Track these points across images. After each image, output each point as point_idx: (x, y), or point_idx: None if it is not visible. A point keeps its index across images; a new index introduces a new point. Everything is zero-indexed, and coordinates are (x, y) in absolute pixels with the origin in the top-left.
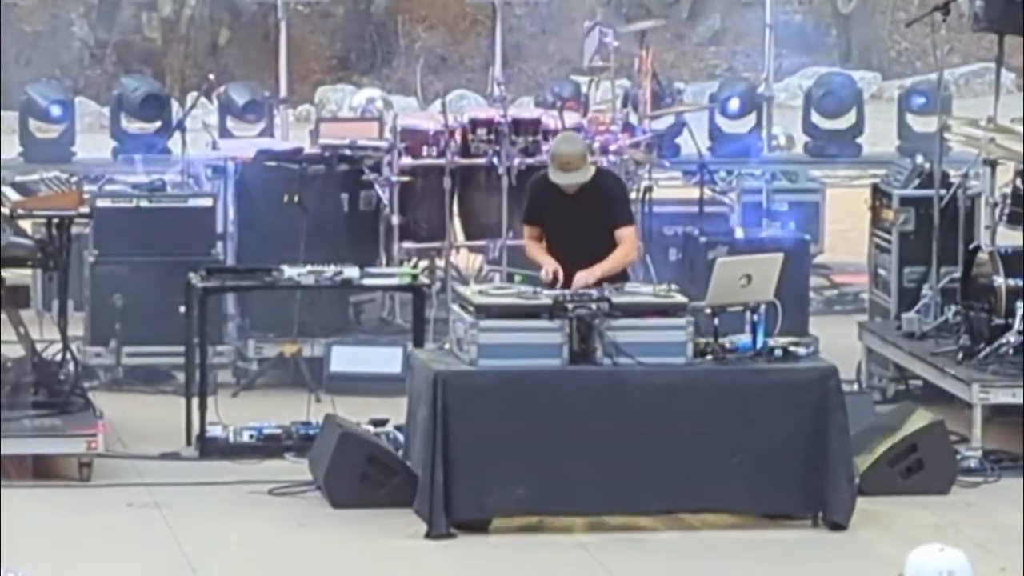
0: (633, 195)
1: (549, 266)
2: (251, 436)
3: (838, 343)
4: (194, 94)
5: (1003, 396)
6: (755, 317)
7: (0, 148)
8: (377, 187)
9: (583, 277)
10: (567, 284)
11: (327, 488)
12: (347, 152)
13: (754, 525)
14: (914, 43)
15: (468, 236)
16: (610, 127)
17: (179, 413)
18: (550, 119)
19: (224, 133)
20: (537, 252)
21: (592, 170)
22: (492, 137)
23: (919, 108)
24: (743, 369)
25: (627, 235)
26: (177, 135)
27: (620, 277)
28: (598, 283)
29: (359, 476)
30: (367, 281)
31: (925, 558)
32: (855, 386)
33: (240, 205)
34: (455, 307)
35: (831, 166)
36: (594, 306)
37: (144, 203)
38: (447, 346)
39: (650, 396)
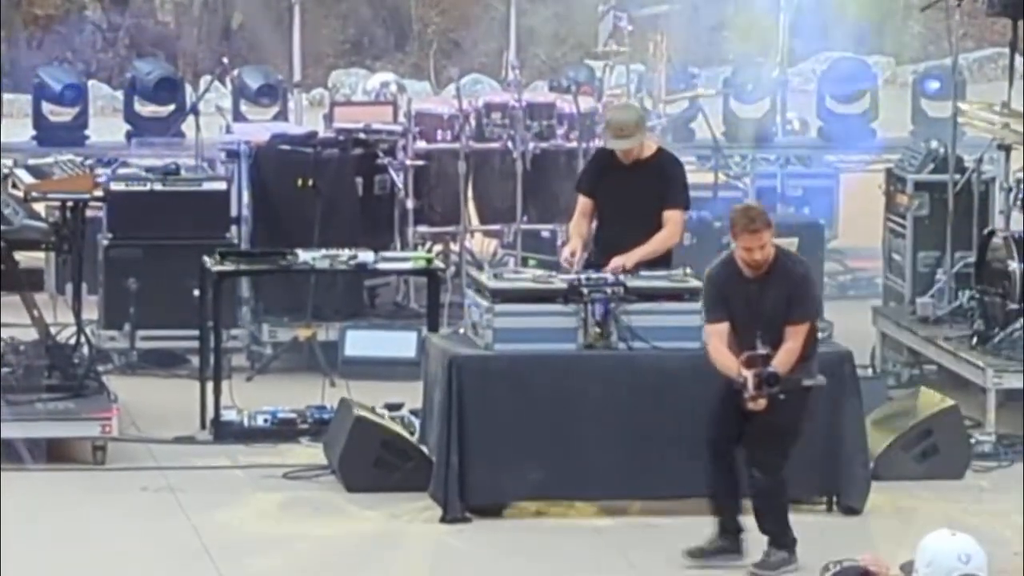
0: None
1: (567, 248)
2: (265, 420)
3: (852, 328)
4: (207, 78)
5: (1017, 381)
6: None
7: (7, 131)
8: (391, 171)
9: (619, 261)
10: (604, 264)
11: (341, 472)
12: (361, 136)
13: None
14: (928, 28)
15: (482, 220)
16: None
17: (193, 397)
18: (564, 103)
19: (238, 117)
20: (573, 229)
21: (650, 145)
22: (506, 121)
23: (933, 93)
24: None
25: (673, 217)
26: (191, 119)
27: (663, 262)
28: (636, 267)
29: (373, 460)
30: (382, 265)
31: (940, 543)
32: (869, 371)
33: (254, 189)
34: (470, 291)
35: (845, 151)
36: (609, 290)
37: (158, 187)
38: (462, 330)
39: (665, 380)
